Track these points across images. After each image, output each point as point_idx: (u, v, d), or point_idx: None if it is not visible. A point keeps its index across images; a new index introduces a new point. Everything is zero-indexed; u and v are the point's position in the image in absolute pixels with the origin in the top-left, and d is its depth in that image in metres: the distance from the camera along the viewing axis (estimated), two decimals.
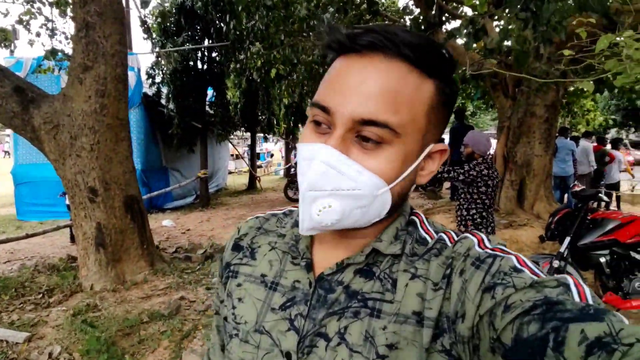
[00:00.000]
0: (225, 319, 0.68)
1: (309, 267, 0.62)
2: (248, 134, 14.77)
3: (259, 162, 17.39)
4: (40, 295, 3.85)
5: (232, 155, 17.52)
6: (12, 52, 7.58)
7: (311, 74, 8.72)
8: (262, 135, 14.90)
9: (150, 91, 9.28)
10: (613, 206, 8.15)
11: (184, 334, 3.20)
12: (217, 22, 9.04)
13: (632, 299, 3.33)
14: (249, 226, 0.74)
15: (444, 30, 6.16)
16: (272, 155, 21.71)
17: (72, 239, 6.40)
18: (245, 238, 0.73)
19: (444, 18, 7.41)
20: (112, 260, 3.96)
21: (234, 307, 0.66)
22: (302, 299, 0.61)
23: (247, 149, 17.75)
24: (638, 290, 3.39)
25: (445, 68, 0.55)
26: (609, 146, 8.91)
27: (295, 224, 0.66)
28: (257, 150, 16.10)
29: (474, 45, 4.39)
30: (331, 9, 7.53)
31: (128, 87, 4.10)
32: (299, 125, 15.57)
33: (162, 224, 7.75)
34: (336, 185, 0.53)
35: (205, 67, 9.72)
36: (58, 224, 5.89)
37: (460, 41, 7.26)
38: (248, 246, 0.71)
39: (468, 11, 7.41)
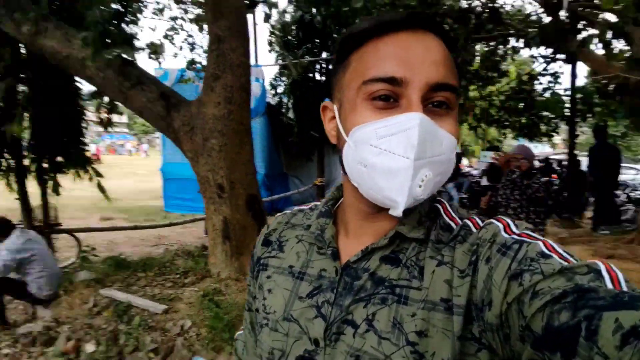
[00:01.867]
0: (257, 310, 0.71)
1: (335, 255, 0.64)
2: None
3: None
4: (178, 275, 4.44)
5: None
6: (160, 63, 8.91)
7: None
8: None
9: (273, 101, 10.01)
10: None
11: None
12: (334, 34, 9.40)
13: None
14: (278, 222, 0.77)
15: (578, 38, 5.49)
16: None
17: (207, 231, 7.22)
18: (274, 233, 0.75)
19: (580, 25, 6.54)
20: (235, 252, 4.33)
21: (264, 299, 0.69)
22: (328, 287, 0.62)
23: None
24: None
25: (456, 45, 0.59)
26: None
27: (321, 215, 0.69)
28: None
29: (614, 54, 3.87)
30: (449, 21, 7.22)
31: (251, 96, 4.48)
32: None
33: None
34: (432, 152, 0.54)
35: (323, 78, 10.16)
36: (196, 217, 6.73)
37: (598, 50, 6.35)
38: (276, 240, 0.74)
39: (611, 17, 6.42)
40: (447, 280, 0.54)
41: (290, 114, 9.78)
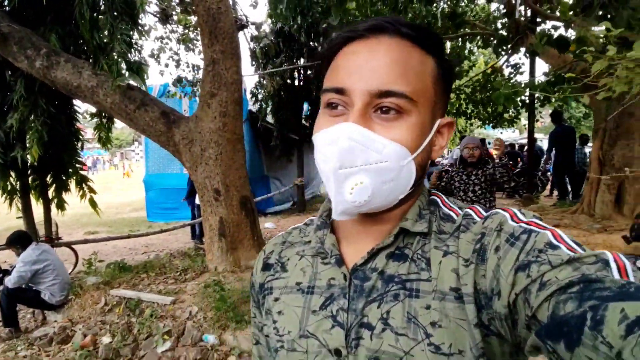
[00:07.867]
0: (268, 336, 0.67)
1: (340, 262, 0.62)
2: None
3: None
4: (178, 273, 4.96)
5: None
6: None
7: None
8: None
9: (254, 108, 10.50)
10: None
11: None
12: (311, 42, 9.97)
13: None
14: (273, 244, 0.75)
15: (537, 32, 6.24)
16: None
17: (193, 235, 7.54)
18: (272, 255, 0.73)
19: (538, 19, 7.42)
20: (230, 248, 4.86)
21: (274, 322, 0.65)
22: (340, 294, 0.60)
23: None
24: None
25: (441, 47, 0.60)
26: None
27: (318, 228, 0.68)
28: None
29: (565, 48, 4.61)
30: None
31: (243, 107, 4.96)
32: None
33: (264, 226, 8.73)
34: (364, 159, 0.53)
35: (301, 83, 10.70)
36: (184, 224, 7.19)
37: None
38: (277, 261, 0.71)
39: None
40: (454, 269, 0.54)
41: (270, 119, 10.28)
